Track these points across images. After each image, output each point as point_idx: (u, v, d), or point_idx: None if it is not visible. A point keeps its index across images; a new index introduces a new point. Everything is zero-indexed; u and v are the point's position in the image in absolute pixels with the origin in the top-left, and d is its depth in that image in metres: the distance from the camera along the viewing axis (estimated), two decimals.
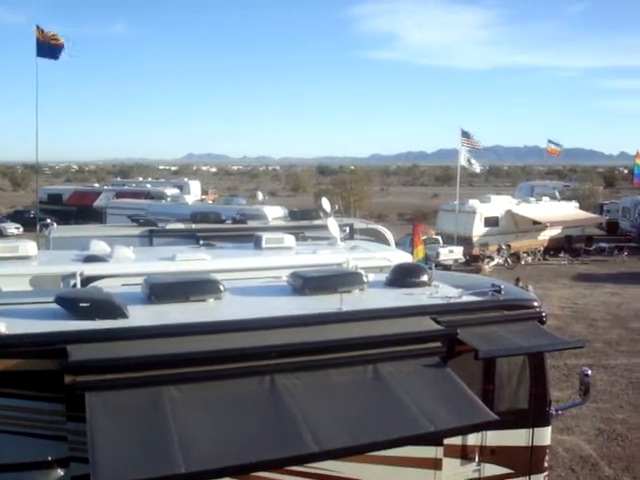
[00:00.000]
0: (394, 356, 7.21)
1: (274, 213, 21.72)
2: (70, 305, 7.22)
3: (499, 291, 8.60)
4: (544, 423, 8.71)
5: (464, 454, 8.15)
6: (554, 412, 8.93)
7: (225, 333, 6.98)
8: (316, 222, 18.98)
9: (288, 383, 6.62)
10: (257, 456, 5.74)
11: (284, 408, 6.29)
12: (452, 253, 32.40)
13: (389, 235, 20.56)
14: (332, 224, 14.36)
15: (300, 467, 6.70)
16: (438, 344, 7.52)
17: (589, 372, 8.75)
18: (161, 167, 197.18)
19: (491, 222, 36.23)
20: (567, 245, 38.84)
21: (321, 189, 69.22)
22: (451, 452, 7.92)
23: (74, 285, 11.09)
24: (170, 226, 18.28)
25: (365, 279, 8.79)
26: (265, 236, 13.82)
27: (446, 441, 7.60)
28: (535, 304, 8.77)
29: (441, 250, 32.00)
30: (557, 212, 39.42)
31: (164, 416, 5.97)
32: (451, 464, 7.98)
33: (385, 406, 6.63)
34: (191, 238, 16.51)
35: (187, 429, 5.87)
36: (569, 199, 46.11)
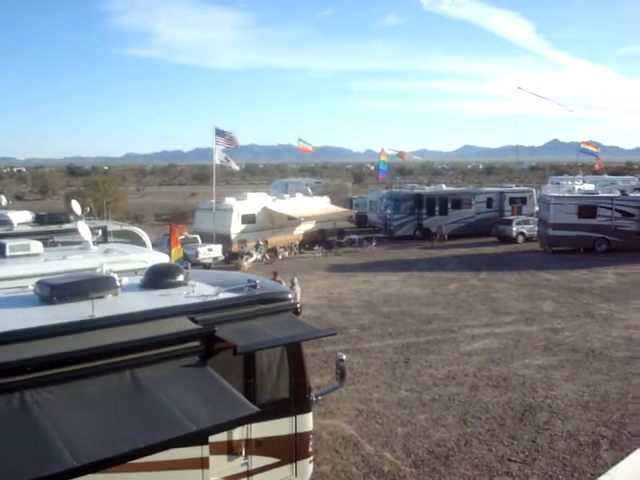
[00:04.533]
0: (152, 359, 7.04)
1: (20, 218, 20.22)
2: None
3: (255, 286, 8.73)
4: (305, 410, 9.03)
5: (231, 450, 8.21)
6: (314, 398, 9.27)
7: None
8: (66, 226, 17.96)
9: (40, 398, 6.19)
10: None
11: (37, 426, 5.85)
12: (211, 251, 32.55)
13: (145, 236, 20.13)
14: (83, 228, 13.68)
15: None
16: (197, 343, 7.47)
17: (344, 357, 9.18)
18: None
19: (248, 219, 36.94)
20: (321, 238, 40.81)
21: (72, 191, 66.24)
22: (217, 449, 7.93)
23: None
24: None
25: (118, 283, 8.47)
26: (9, 243, 12.85)
27: (211, 439, 7.58)
28: (289, 296, 9.03)
29: (200, 249, 32.02)
30: (310, 207, 41.19)
31: None
32: (218, 461, 8.00)
33: (145, 411, 6.42)
34: None
35: None
36: (321, 195, 48.32)
